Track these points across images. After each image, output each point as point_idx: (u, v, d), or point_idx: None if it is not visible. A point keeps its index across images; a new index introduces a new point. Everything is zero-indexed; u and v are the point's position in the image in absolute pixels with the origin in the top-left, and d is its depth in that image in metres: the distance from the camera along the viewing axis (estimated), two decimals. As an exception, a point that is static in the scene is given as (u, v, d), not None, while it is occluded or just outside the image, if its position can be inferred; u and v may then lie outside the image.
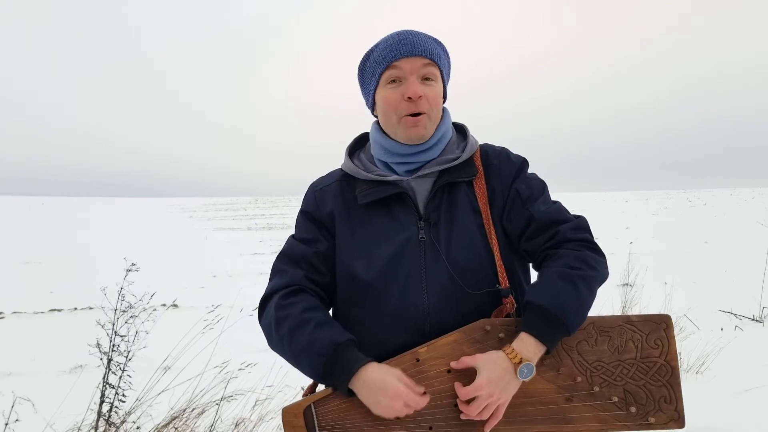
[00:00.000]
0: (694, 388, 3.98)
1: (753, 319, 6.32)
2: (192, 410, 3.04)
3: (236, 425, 3.13)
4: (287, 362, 1.32)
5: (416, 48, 1.31)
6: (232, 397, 3.13)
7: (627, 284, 6.92)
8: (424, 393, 1.25)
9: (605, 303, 5.87)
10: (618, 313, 5.92)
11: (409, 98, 1.31)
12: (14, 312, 9.18)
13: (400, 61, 1.31)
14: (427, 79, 1.33)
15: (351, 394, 1.23)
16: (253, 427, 3.14)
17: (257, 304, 1.39)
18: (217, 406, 3.08)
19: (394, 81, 1.33)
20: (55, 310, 9.43)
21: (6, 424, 2.57)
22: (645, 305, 6.13)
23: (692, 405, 3.70)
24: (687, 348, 4.57)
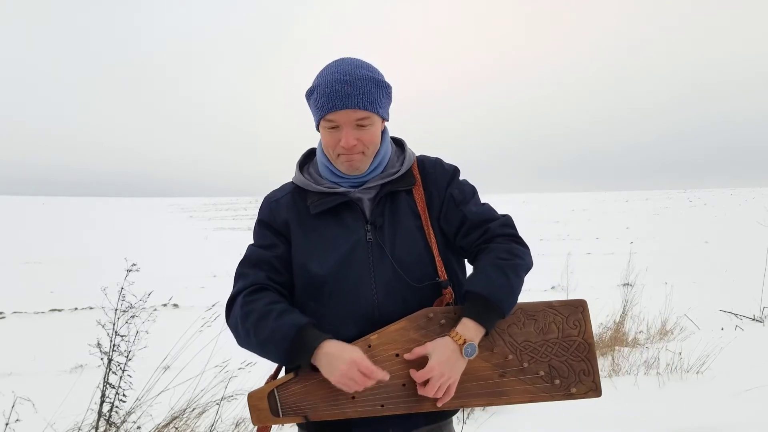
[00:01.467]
0: (695, 387, 3.99)
1: (753, 319, 6.32)
2: (192, 410, 3.04)
3: (236, 425, 3.14)
4: (254, 353, 1.43)
5: (350, 101, 1.40)
6: (232, 397, 3.13)
7: (627, 284, 6.93)
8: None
9: (606, 303, 5.87)
10: (620, 312, 5.93)
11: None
12: (15, 312, 9.19)
13: (334, 114, 1.41)
14: (361, 125, 1.43)
15: (314, 370, 1.36)
16: (254, 427, 3.14)
17: (225, 307, 1.50)
18: (217, 406, 3.08)
19: (331, 127, 1.44)
20: (55, 310, 9.44)
21: (6, 424, 2.57)
22: (645, 305, 6.13)
23: (692, 405, 3.71)
24: (687, 348, 4.57)
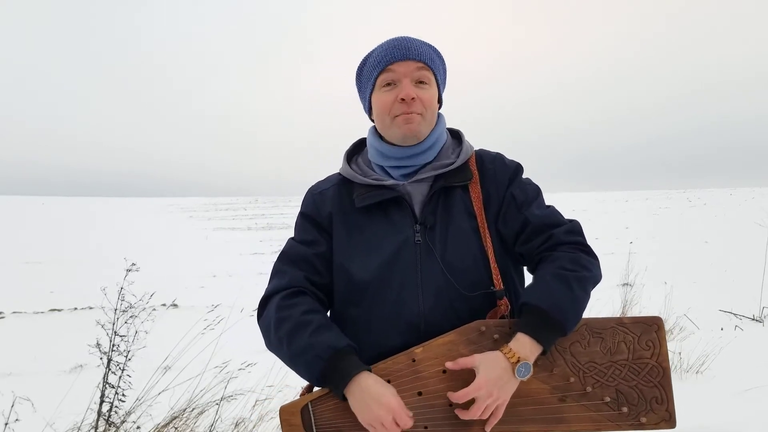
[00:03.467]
0: (694, 388, 3.98)
1: (753, 319, 6.32)
2: (192, 410, 3.04)
3: (236, 425, 3.13)
4: (283, 363, 1.33)
5: (410, 52, 1.35)
6: (232, 397, 3.13)
7: (627, 284, 6.93)
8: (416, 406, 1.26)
9: (606, 303, 5.87)
10: (618, 313, 5.92)
11: (402, 100, 1.33)
12: (14, 312, 9.18)
13: (395, 64, 1.34)
14: (421, 82, 1.36)
15: (345, 399, 1.24)
16: (253, 427, 3.14)
17: (258, 304, 1.41)
18: (217, 406, 3.08)
19: (389, 84, 1.36)
20: (55, 310, 9.43)
21: (6, 424, 2.57)
22: (645, 305, 6.13)
23: (692, 405, 3.72)
24: (687, 348, 4.57)
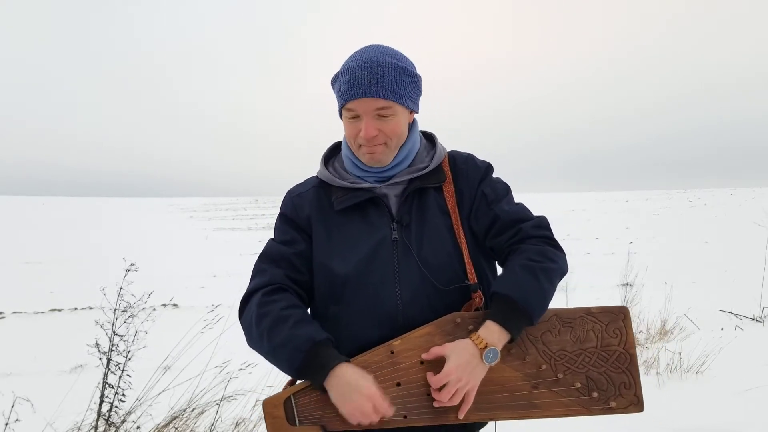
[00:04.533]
0: (695, 388, 3.98)
1: (753, 319, 6.32)
2: (192, 410, 3.04)
3: (236, 425, 3.14)
4: (264, 358, 1.36)
5: (369, 89, 1.33)
6: (232, 397, 3.13)
7: (627, 284, 6.93)
8: (393, 401, 1.29)
9: (606, 303, 5.86)
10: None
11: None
12: (15, 312, 9.19)
13: (353, 102, 1.35)
14: (382, 116, 1.36)
15: (325, 391, 1.27)
16: (253, 427, 3.14)
17: (239, 303, 1.43)
18: (217, 406, 3.08)
19: (352, 117, 1.38)
20: (55, 310, 9.43)
21: (6, 424, 2.57)
22: (645, 305, 6.14)
23: (692, 405, 3.71)
24: (687, 348, 4.57)
